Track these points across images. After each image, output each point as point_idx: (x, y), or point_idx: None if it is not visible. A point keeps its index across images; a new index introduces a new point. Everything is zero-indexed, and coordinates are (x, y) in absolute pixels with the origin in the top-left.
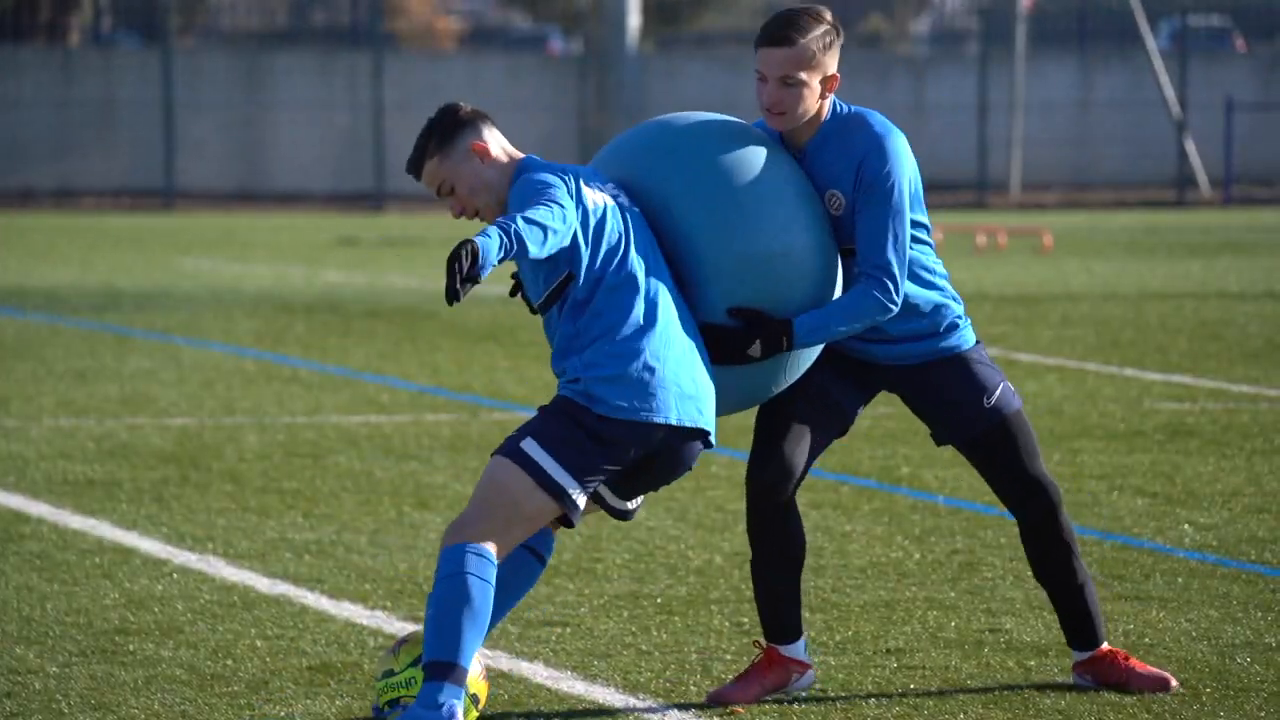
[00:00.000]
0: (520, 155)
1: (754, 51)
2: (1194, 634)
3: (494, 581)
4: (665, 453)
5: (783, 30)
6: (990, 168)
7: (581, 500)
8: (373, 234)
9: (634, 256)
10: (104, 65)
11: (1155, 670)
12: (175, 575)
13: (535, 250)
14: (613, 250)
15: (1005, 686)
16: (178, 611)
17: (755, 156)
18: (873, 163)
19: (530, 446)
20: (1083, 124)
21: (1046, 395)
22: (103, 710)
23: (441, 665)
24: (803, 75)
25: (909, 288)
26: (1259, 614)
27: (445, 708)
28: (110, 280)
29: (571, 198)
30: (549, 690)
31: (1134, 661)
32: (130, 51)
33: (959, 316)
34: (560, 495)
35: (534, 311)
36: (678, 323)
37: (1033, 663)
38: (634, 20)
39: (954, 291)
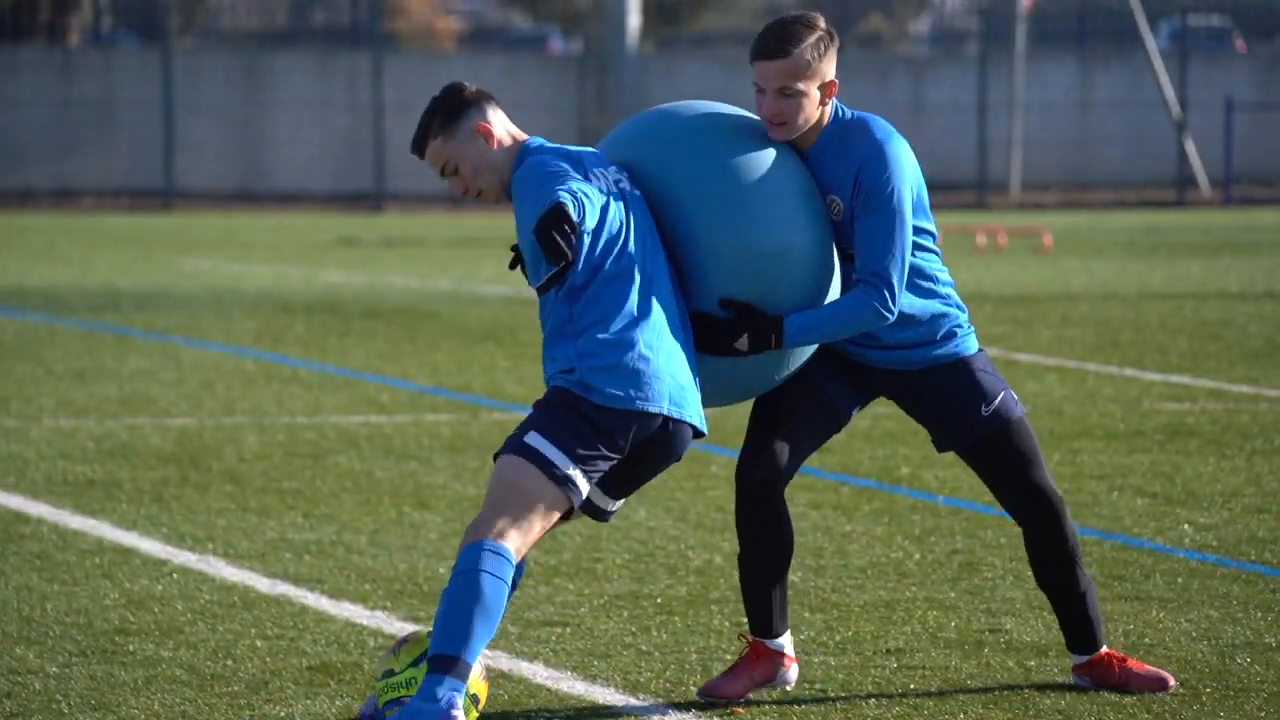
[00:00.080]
0: (524, 136)
1: (750, 64)
2: (1194, 634)
3: (509, 580)
4: (659, 442)
5: (776, 42)
6: (990, 168)
7: (585, 488)
8: (372, 234)
9: (633, 246)
10: (104, 65)
11: (1153, 670)
12: (175, 575)
13: (591, 219)
14: (613, 239)
15: (1005, 686)
16: (178, 611)
17: (760, 151)
18: (871, 169)
19: (535, 440)
20: (1083, 124)
21: (1046, 395)
22: (103, 710)
23: (446, 659)
24: (800, 85)
25: (905, 297)
26: (1259, 614)
27: (444, 700)
28: (110, 280)
29: (582, 181)
30: (549, 690)
31: (1132, 663)
32: (130, 51)
33: (959, 325)
34: (566, 483)
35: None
36: (672, 314)
37: (1033, 663)
38: (634, 20)
39: (958, 300)
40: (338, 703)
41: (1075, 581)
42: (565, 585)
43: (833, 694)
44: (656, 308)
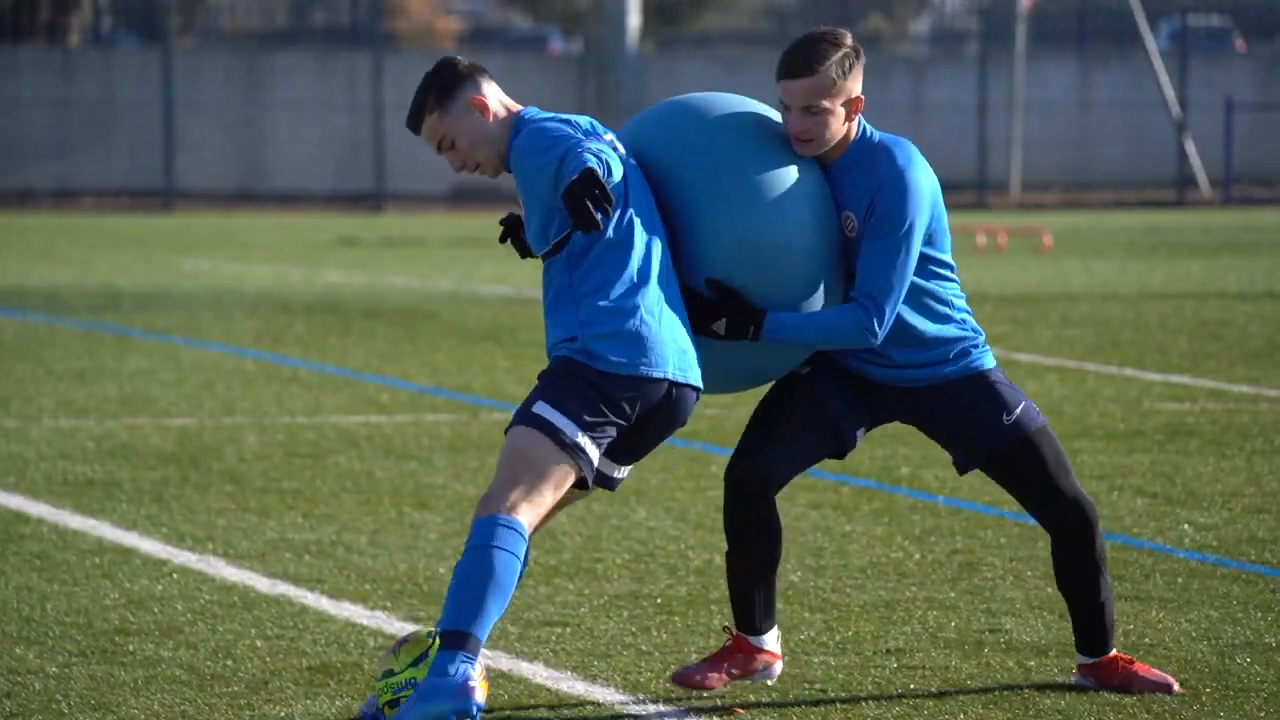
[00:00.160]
0: (518, 107)
1: (776, 83)
2: (1194, 634)
3: (522, 556)
4: (663, 409)
5: (802, 60)
6: (990, 168)
7: (595, 456)
8: (372, 234)
9: (634, 213)
10: (104, 65)
11: (1158, 674)
12: (175, 575)
13: (617, 174)
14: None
15: (1005, 686)
16: (178, 611)
17: (774, 146)
18: (887, 195)
19: (542, 409)
20: (1083, 124)
21: (1046, 395)
22: (103, 710)
23: (457, 635)
24: (825, 103)
25: (917, 319)
26: (1259, 614)
27: (459, 674)
28: (110, 280)
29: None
30: (549, 690)
31: (1138, 665)
32: (130, 51)
33: (974, 345)
34: (575, 450)
35: (524, 256)
36: (670, 282)
37: (1033, 663)
38: (634, 20)
39: (973, 324)
40: (338, 703)
41: (1098, 589)
42: (565, 585)
43: (833, 694)
44: (656, 275)
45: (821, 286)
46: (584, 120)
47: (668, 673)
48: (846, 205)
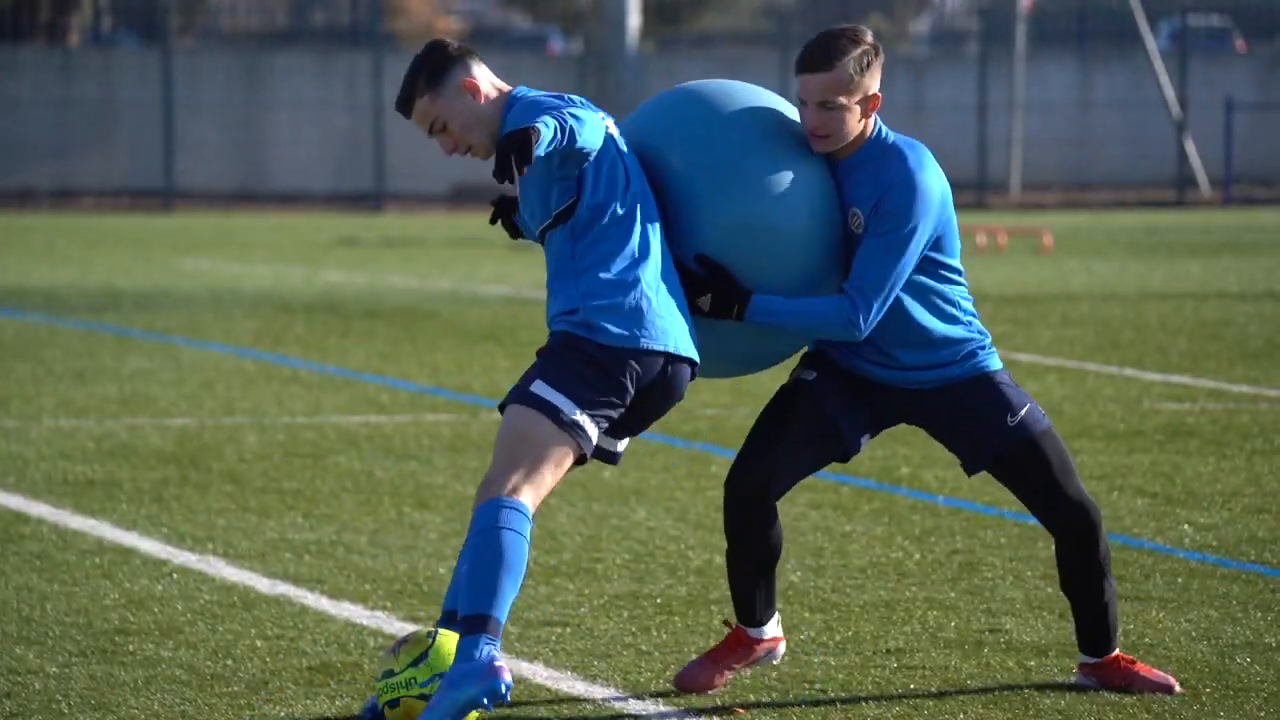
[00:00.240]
0: (508, 88)
1: (794, 77)
2: (1194, 634)
3: (529, 536)
4: (660, 385)
5: (821, 55)
6: (990, 168)
7: (594, 433)
8: (372, 234)
9: (635, 189)
10: (104, 65)
11: (1159, 674)
12: (175, 575)
13: (583, 139)
14: (616, 181)
15: (1005, 686)
16: (178, 611)
17: (778, 132)
18: (893, 196)
19: (540, 388)
20: (1083, 124)
21: (1046, 395)
22: (103, 710)
23: (478, 618)
24: (841, 99)
25: (927, 319)
26: (1259, 614)
27: (483, 655)
28: (110, 280)
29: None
30: (549, 690)
31: (1139, 665)
32: (130, 51)
33: (981, 346)
34: (575, 429)
35: (514, 238)
36: (667, 256)
37: (1033, 663)
38: (634, 20)
39: (980, 325)
40: (338, 703)
41: (1102, 591)
42: (565, 585)
43: (833, 694)
44: (655, 250)
45: (816, 276)
46: (578, 99)
47: (668, 673)
48: (854, 202)
